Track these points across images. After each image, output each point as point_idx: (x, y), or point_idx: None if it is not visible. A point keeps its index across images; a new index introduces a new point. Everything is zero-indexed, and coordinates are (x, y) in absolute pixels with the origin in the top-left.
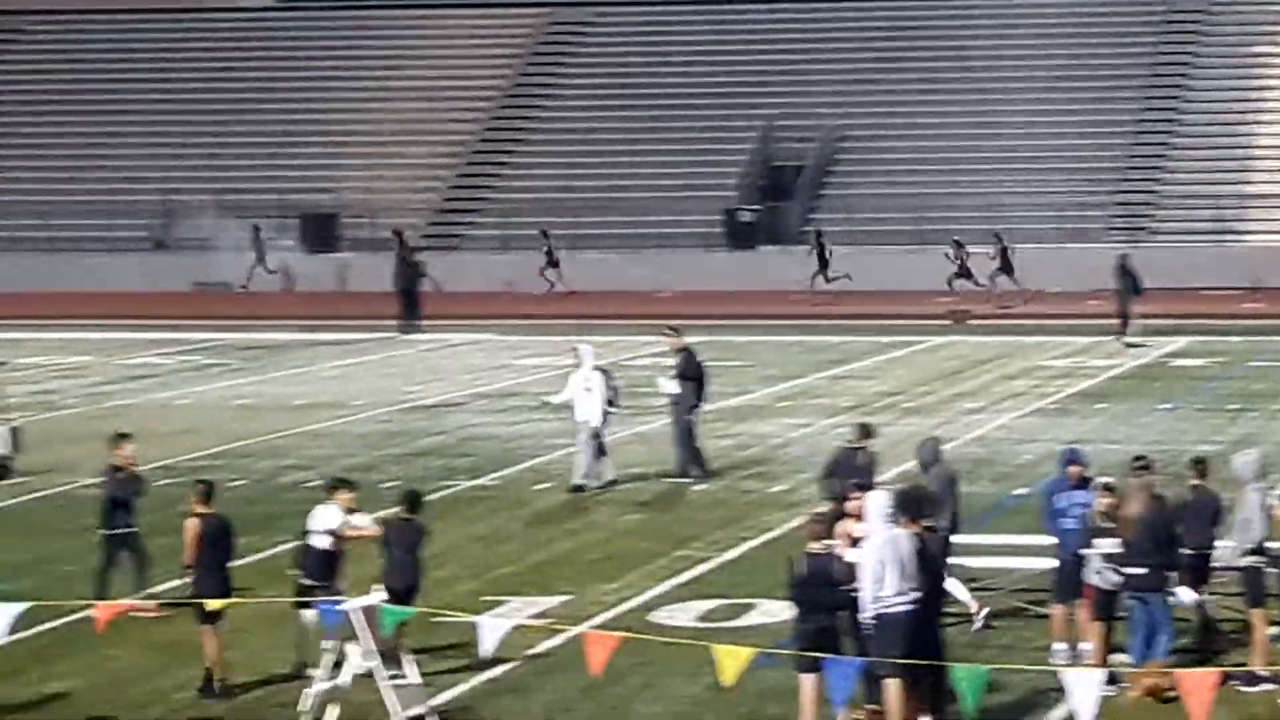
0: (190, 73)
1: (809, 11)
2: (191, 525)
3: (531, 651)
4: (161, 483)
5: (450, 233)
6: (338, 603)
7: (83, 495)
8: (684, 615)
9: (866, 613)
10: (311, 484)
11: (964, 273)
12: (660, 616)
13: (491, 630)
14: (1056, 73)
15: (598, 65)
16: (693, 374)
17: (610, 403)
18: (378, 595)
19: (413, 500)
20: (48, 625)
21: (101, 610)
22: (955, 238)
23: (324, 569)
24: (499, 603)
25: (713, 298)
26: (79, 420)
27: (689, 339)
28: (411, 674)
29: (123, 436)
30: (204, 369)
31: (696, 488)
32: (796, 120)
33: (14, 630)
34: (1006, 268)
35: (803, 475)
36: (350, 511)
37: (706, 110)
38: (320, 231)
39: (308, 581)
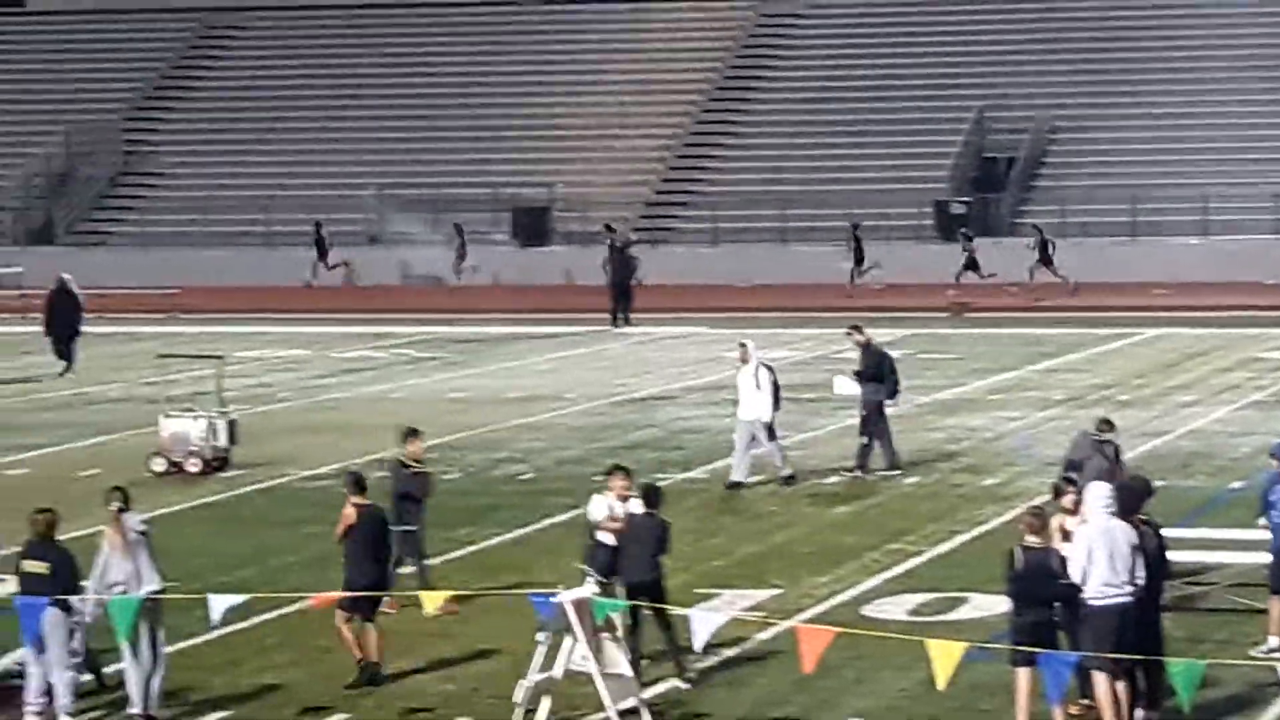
0: (403, 68)
1: (1020, 1)
2: (349, 513)
3: (743, 644)
4: (377, 475)
5: (660, 226)
6: (551, 594)
7: (298, 488)
8: (896, 609)
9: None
10: (525, 476)
11: (971, 264)
12: (872, 610)
13: (704, 623)
14: (1269, 61)
15: (808, 57)
16: (875, 371)
17: (775, 400)
18: (590, 587)
19: (651, 494)
20: (265, 616)
21: (320, 601)
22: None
23: (609, 565)
24: (711, 595)
25: (923, 290)
26: (294, 414)
27: (874, 334)
28: (624, 667)
29: (413, 432)
30: (417, 362)
31: (882, 478)
32: (1008, 111)
33: (232, 621)
34: (1046, 260)
35: (1015, 468)
36: (624, 499)
37: (917, 101)
38: (533, 225)
39: (597, 578)
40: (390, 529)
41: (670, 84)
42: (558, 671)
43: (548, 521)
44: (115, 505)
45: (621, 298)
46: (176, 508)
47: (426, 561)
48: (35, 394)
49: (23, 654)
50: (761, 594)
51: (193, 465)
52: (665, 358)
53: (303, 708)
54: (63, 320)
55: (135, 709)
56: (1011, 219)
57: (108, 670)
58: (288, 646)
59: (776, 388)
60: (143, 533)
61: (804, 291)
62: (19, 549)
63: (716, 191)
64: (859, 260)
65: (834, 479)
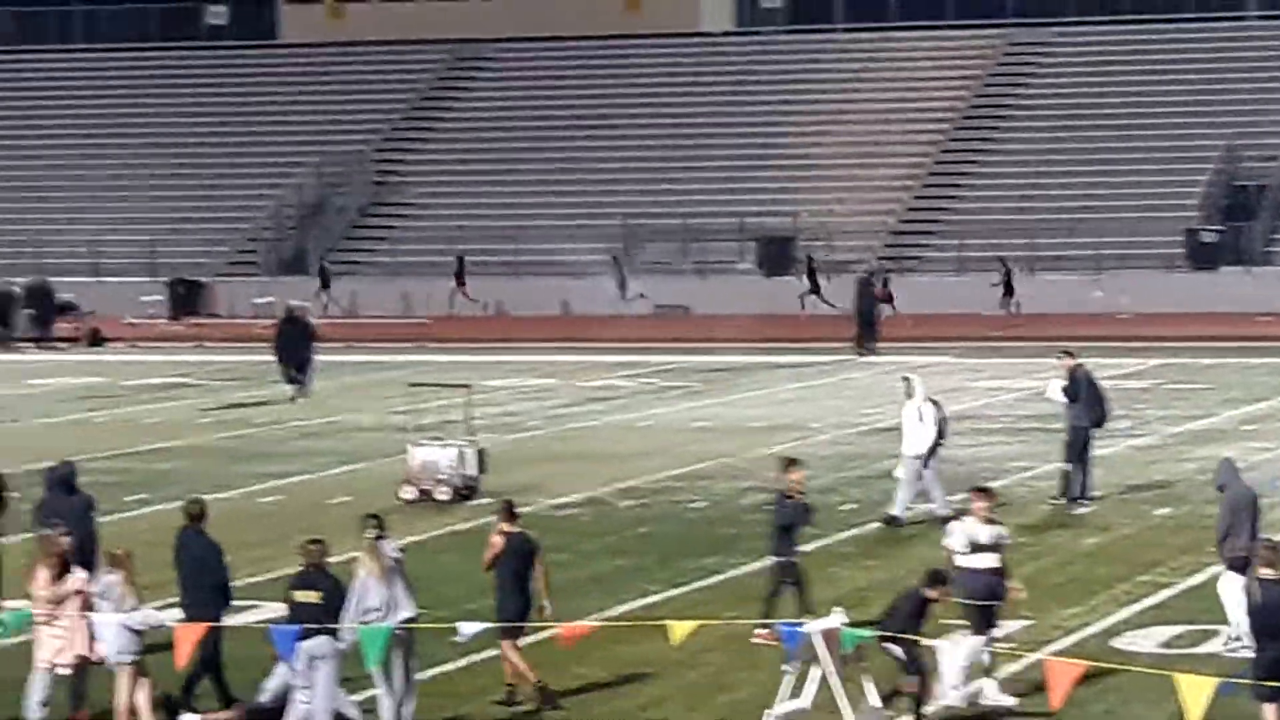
0: (650, 98)
1: (1271, 29)
2: (497, 541)
3: (995, 676)
4: (624, 504)
5: (906, 254)
6: (798, 624)
7: (545, 516)
8: (1147, 642)
9: None
10: (770, 506)
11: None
12: (1122, 643)
13: (951, 656)
14: None
15: (1056, 85)
16: (1074, 395)
17: (939, 435)
18: (838, 617)
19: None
20: None
21: (568, 630)
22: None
23: (989, 590)
24: (958, 626)
25: (1173, 319)
26: (541, 442)
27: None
28: (873, 698)
29: (792, 462)
30: (663, 391)
31: (1077, 511)
32: (1259, 139)
33: (481, 648)
34: (1009, 290)
35: (1266, 500)
36: (989, 522)
37: (1167, 129)
38: (777, 254)
39: (969, 601)
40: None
41: (917, 112)
42: (805, 702)
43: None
44: (372, 533)
45: (867, 327)
46: (426, 535)
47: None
48: (289, 422)
49: (283, 678)
50: (1011, 625)
51: (442, 493)
52: None
53: None
54: (291, 348)
55: None
56: (1263, 247)
57: (357, 697)
58: (537, 674)
59: (942, 423)
60: (397, 560)
61: (1050, 321)
62: (291, 578)
63: (962, 220)
64: (1008, 290)
65: (1083, 510)
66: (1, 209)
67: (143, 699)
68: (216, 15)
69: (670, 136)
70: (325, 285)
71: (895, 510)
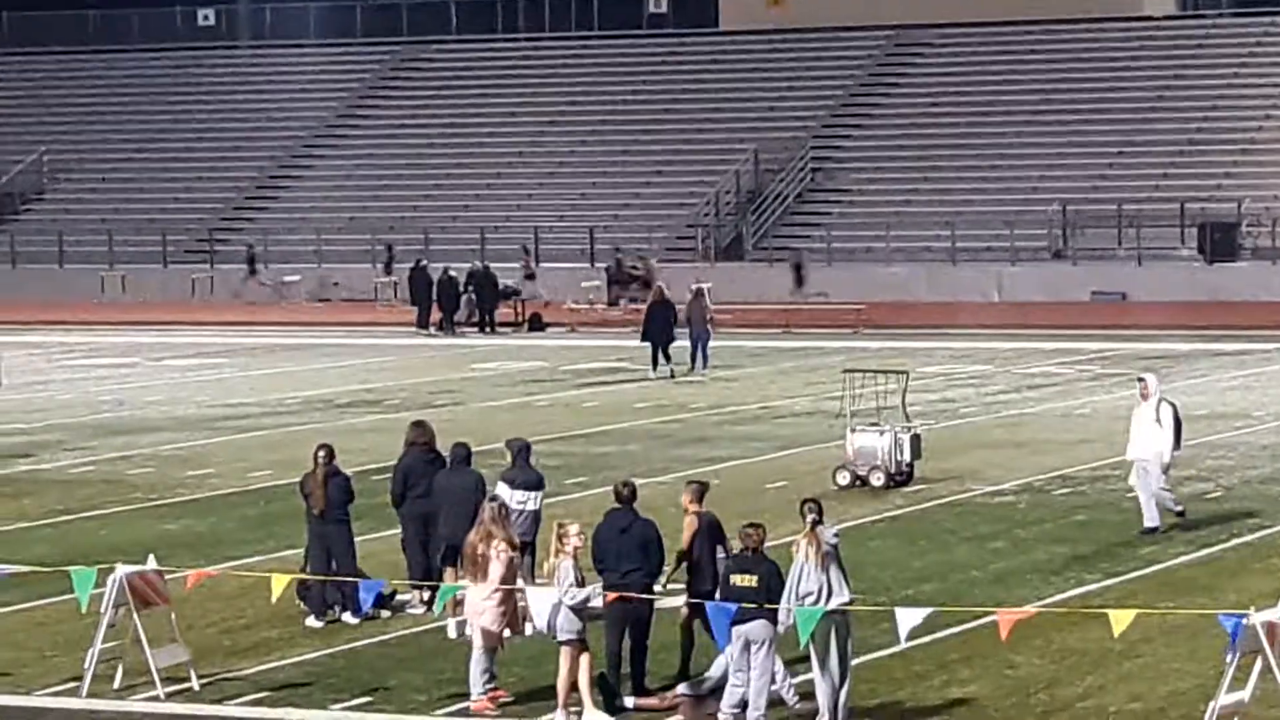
0: (1088, 82)
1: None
2: (690, 523)
3: None
4: (1061, 492)
5: None
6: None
7: (981, 503)
8: None
9: None
10: (1211, 495)
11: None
12: None
13: None
14: None
15: None
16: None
17: (1177, 438)
18: None
19: None
20: (950, 631)
21: (1006, 617)
22: None
23: None
24: None
25: None
26: (977, 429)
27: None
28: None
29: None
30: (1101, 378)
31: None
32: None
33: (918, 635)
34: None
35: None
36: None
37: None
38: (1220, 241)
39: None
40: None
41: None
42: (1246, 694)
43: (1235, 541)
44: (810, 517)
45: None
46: (861, 521)
47: None
48: (725, 407)
49: (722, 664)
50: None
51: (877, 479)
52: None
53: None
54: (659, 327)
55: None
56: None
57: (793, 681)
58: (973, 662)
59: (1179, 424)
60: (834, 545)
61: None
62: (728, 562)
63: None
64: None
65: None
66: (450, 198)
67: (583, 678)
68: (658, 4)
69: (1108, 122)
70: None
71: (1149, 522)
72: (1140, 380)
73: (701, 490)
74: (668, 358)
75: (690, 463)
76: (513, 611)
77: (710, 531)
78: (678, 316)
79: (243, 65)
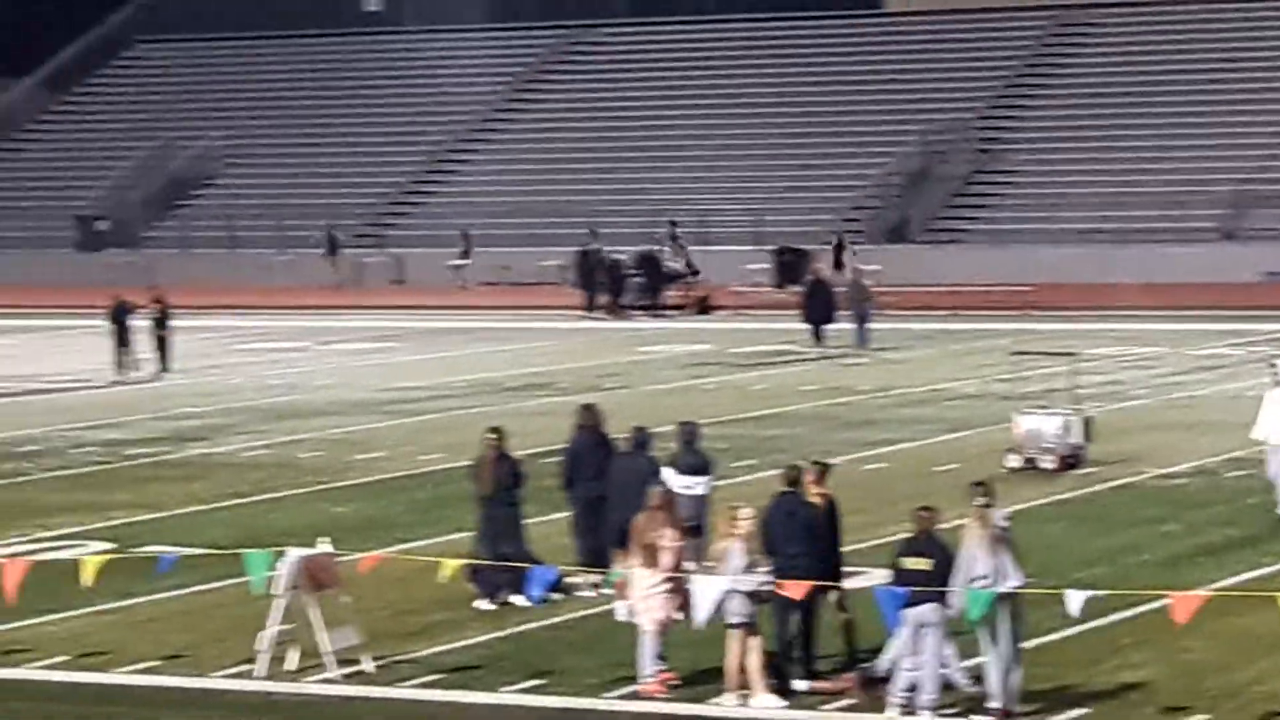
0: (1259, 59)
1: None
2: (819, 501)
3: None
4: (1232, 474)
5: None
6: None
7: (1153, 486)
8: None
9: None
10: None
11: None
12: None
13: None
14: None
15: None
16: None
17: None
18: None
19: None
20: (1120, 615)
21: (1179, 601)
22: None
23: None
24: None
25: None
26: (1148, 411)
27: None
28: None
29: None
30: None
31: None
32: None
33: (1088, 618)
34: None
35: None
36: None
37: None
38: None
39: None
40: None
41: None
42: None
43: None
44: (980, 500)
45: None
46: (1030, 504)
47: None
48: (892, 390)
49: (898, 649)
50: None
51: (1047, 462)
52: None
53: (1162, 708)
54: (818, 308)
55: (994, 703)
56: None
57: (964, 664)
58: (1145, 646)
59: None
60: (1005, 528)
61: None
62: (898, 544)
63: None
64: None
65: None
66: (617, 181)
67: (753, 661)
68: None
69: (1278, 100)
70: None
71: None
72: (1272, 365)
73: (823, 471)
74: (822, 338)
75: (858, 445)
76: (681, 597)
77: (831, 513)
78: (835, 298)
79: (410, 50)
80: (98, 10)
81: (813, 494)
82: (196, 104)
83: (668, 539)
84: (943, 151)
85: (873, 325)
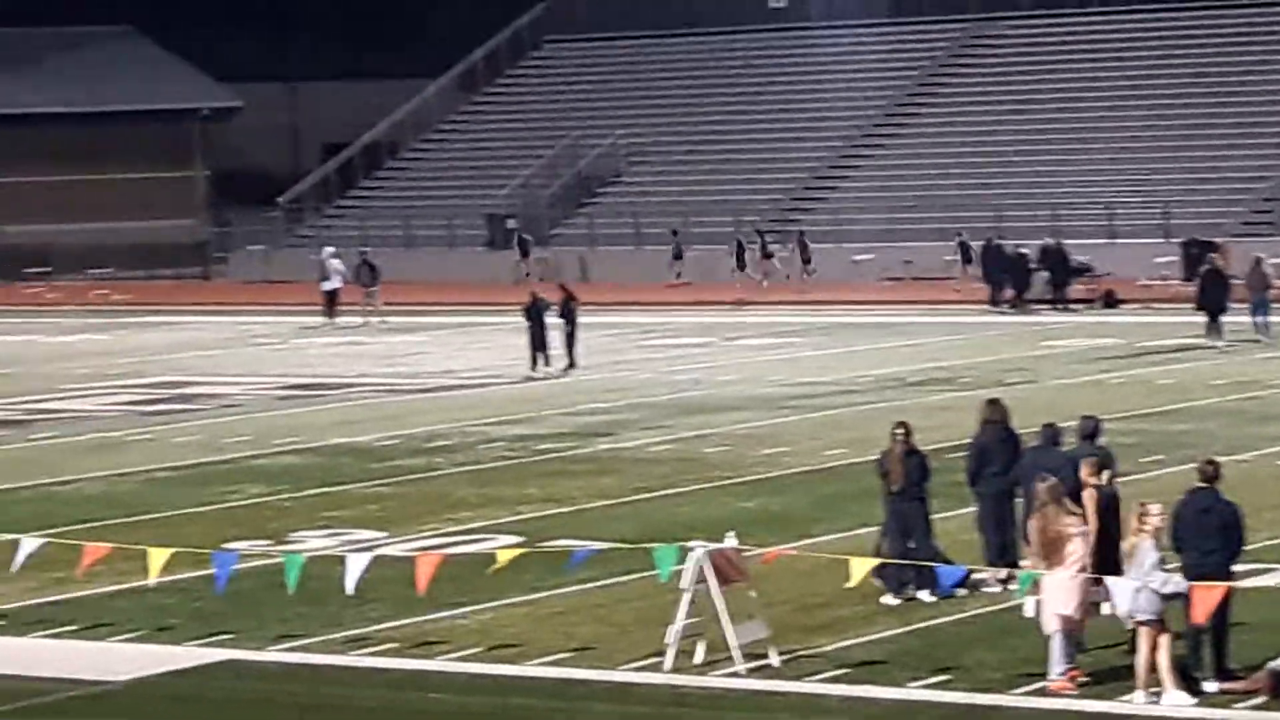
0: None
1: None
2: (1090, 496)
3: None
4: None
5: None
6: None
7: None
8: None
9: None
10: None
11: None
12: None
13: None
14: None
15: None
16: None
17: None
18: None
19: None
20: None
21: None
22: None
23: None
24: None
25: None
26: None
27: None
28: None
29: None
30: None
31: None
32: None
33: None
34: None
35: None
36: None
37: None
38: None
39: None
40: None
41: None
42: None
43: None
44: None
45: None
46: None
47: None
48: None
49: None
50: None
51: None
52: None
53: None
54: (1212, 297)
55: None
56: None
57: None
58: None
59: None
60: None
61: None
62: None
63: None
64: None
65: None
66: (1020, 175)
67: (1163, 659)
68: None
69: None
70: (524, 254)
71: None
72: None
73: (1102, 463)
74: (1219, 330)
75: (1272, 440)
76: (1088, 590)
77: (1110, 506)
78: (1231, 288)
79: (813, 46)
80: (508, 11)
81: (1091, 485)
82: (602, 102)
83: (1074, 532)
84: None
85: (1273, 318)
